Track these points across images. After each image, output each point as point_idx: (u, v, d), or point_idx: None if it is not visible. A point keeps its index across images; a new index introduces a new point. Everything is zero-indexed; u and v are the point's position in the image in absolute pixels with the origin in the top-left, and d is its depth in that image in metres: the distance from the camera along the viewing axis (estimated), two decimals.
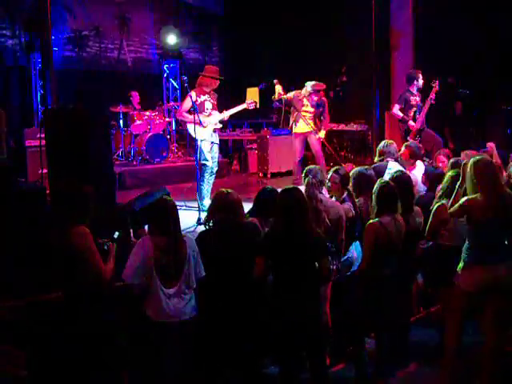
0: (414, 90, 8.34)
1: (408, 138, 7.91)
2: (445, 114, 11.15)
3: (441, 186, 4.88)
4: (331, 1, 12.21)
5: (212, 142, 7.24)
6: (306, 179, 4.65)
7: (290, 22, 12.85)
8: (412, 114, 8.26)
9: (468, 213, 3.95)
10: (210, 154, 7.21)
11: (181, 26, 13.81)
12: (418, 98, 8.31)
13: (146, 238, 3.81)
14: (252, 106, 7.59)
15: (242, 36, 13.94)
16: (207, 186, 7.22)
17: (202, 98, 7.23)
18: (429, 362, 4.70)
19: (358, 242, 4.82)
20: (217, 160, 7.39)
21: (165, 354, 3.77)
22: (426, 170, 5.58)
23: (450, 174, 4.81)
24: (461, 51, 11.05)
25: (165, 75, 13.57)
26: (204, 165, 7.19)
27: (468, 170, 3.99)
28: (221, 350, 4.02)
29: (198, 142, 7.06)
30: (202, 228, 4.68)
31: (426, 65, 11.10)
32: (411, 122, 8.18)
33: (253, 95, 11.77)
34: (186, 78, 7.02)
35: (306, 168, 5.05)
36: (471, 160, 4.04)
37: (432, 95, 8.10)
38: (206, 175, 7.20)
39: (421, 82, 8.31)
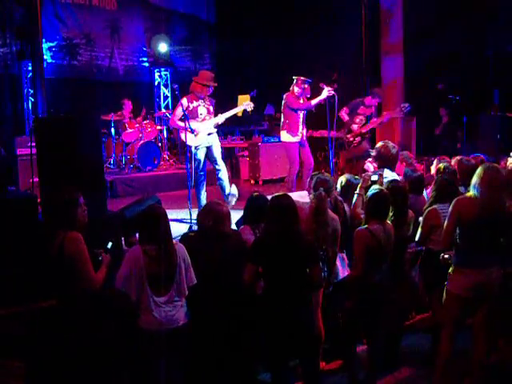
0: (367, 103, 8.61)
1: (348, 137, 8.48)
2: (434, 119, 11.25)
3: (431, 192, 4.92)
4: (321, 7, 12.28)
5: (207, 147, 7.21)
6: (317, 191, 4.57)
7: (280, 29, 12.92)
8: (357, 120, 8.57)
9: (459, 212, 3.95)
10: (202, 160, 7.21)
11: (172, 33, 13.86)
12: (368, 109, 8.61)
13: (136, 247, 3.80)
14: (250, 108, 7.53)
15: (233, 43, 13.99)
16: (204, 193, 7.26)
17: (195, 103, 7.17)
18: (420, 367, 4.71)
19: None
20: (220, 158, 7.41)
21: (157, 362, 3.76)
22: (404, 174, 5.61)
23: (440, 180, 4.85)
24: (450, 58, 11.15)
25: (156, 83, 13.60)
26: (202, 172, 7.21)
27: (475, 173, 4.00)
28: (213, 357, 4.02)
29: (192, 149, 7.04)
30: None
31: (416, 70, 11.23)
32: (354, 126, 8.54)
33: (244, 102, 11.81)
34: (177, 85, 7.04)
35: (316, 177, 4.98)
36: (481, 165, 4.06)
37: (384, 116, 8.52)
38: (200, 182, 7.21)
39: (374, 102, 8.62)
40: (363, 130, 8.50)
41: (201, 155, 7.17)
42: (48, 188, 5.27)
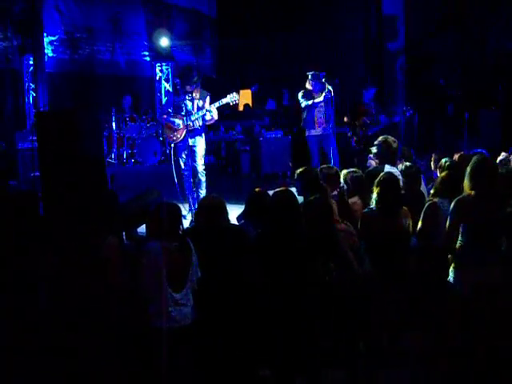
0: None
1: None
2: (436, 115, 11.24)
3: (433, 186, 4.93)
4: (322, 2, 12.25)
5: (189, 146, 6.81)
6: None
7: (282, 24, 12.89)
8: None
9: (462, 211, 3.95)
10: (184, 157, 6.84)
11: (173, 28, 13.82)
12: None
13: (154, 244, 3.73)
14: (235, 102, 6.98)
15: (234, 38, 13.96)
16: (190, 195, 6.91)
17: (181, 97, 6.85)
18: (421, 365, 4.70)
19: None
20: (199, 163, 6.88)
21: (166, 360, 3.73)
22: (401, 170, 5.63)
23: (442, 175, 4.85)
24: (453, 54, 11.14)
25: (157, 78, 13.58)
26: (180, 169, 6.89)
27: (468, 168, 4.01)
28: (213, 353, 4.02)
29: (172, 145, 6.85)
30: None
31: (417, 67, 11.22)
32: None
33: (246, 97, 11.81)
34: (178, 80, 7.00)
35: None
36: (473, 158, 4.07)
37: None
38: (185, 184, 6.90)
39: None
40: None
41: (180, 152, 6.84)
42: (49, 182, 5.26)
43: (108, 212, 3.81)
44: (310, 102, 8.09)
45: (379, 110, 10.03)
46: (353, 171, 5.37)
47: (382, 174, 4.84)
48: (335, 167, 5.65)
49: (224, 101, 6.83)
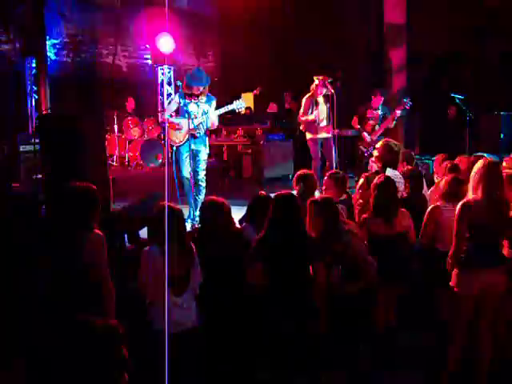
0: (374, 106, 8.62)
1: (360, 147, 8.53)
2: (438, 118, 11.24)
3: (434, 189, 4.95)
4: (325, 5, 12.27)
5: (191, 150, 6.64)
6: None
7: (284, 27, 12.91)
8: (370, 126, 8.55)
9: (467, 215, 3.94)
10: (187, 162, 6.67)
11: (176, 31, 13.83)
12: (376, 112, 8.55)
13: (152, 248, 3.73)
14: (241, 109, 6.91)
15: (237, 41, 13.98)
16: (192, 199, 6.74)
17: (186, 100, 6.66)
18: (424, 366, 4.69)
19: None
20: (200, 168, 6.72)
21: (169, 364, 3.71)
22: (403, 172, 5.66)
23: (444, 178, 4.85)
24: (455, 57, 11.15)
25: (159, 81, 13.59)
26: (181, 172, 6.75)
27: (473, 170, 4.01)
28: (214, 355, 4.01)
29: (174, 149, 6.71)
30: None
31: (420, 69, 11.22)
32: (365, 133, 8.49)
33: (248, 100, 11.81)
34: (180, 83, 6.98)
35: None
36: (477, 162, 4.07)
37: (396, 112, 8.29)
38: (186, 188, 6.75)
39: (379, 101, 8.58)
40: (374, 137, 8.39)
41: (182, 156, 6.71)
42: (51, 185, 5.27)
43: (93, 206, 3.77)
44: (310, 117, 8.20)
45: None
46: (369, 175, 5.40)
47: (377, 177, 4.86)
48: (342, 172, 5.67)
49: (230, 107, 6.71)
